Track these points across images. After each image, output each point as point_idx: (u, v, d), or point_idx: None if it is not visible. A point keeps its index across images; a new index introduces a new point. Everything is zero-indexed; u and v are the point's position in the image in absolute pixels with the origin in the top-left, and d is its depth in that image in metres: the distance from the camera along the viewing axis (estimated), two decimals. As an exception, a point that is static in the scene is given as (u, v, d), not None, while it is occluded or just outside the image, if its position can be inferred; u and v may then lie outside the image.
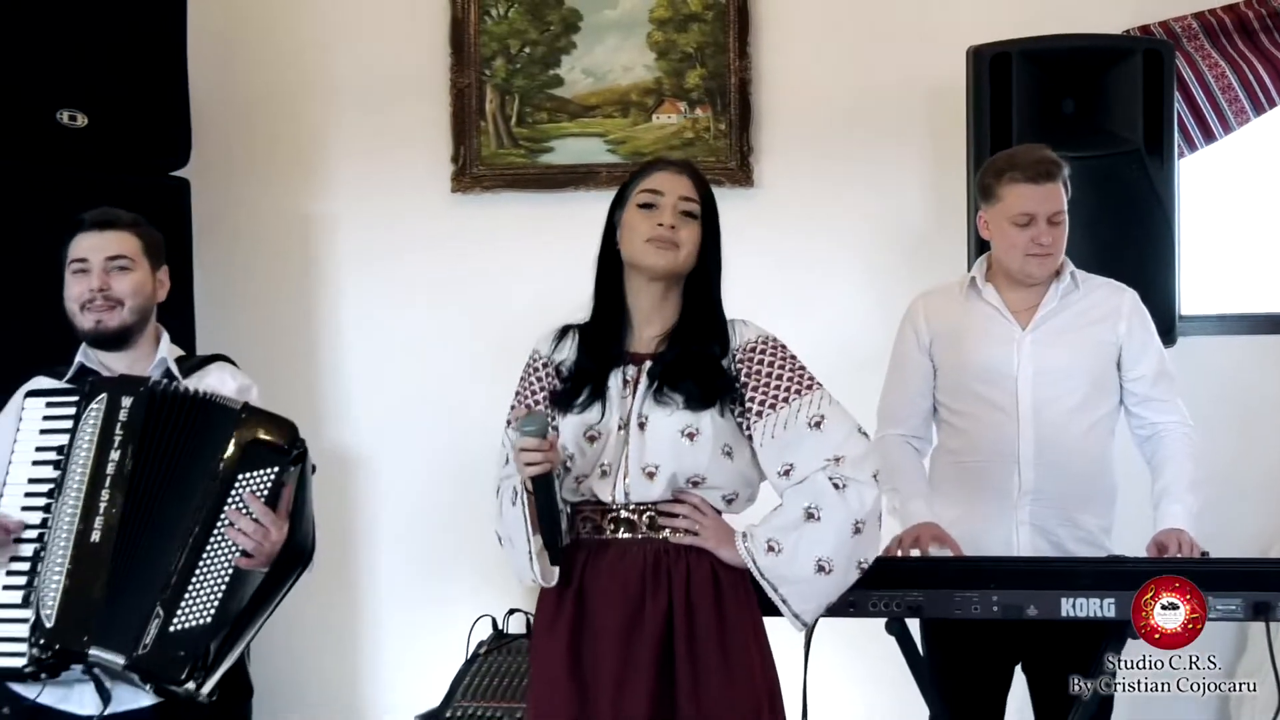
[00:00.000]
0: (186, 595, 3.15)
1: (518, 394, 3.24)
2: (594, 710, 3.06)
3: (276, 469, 3.24)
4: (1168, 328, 4.22)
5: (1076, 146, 4.28)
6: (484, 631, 4.83)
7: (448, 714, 4.54)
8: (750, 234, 4.91)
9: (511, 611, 4.87)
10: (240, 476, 3.21)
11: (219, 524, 3.18)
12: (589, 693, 3.07)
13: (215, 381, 3.43)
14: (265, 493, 3.21)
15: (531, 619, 4.76)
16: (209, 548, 3.17)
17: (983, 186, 3.85)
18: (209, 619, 3.15)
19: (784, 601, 3.09)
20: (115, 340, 3.38)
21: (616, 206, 3.20)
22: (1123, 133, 4.41)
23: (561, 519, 3.08)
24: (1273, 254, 5.13)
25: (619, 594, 3.08)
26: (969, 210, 4.04)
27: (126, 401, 3.20)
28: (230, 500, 3.18)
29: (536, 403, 3.19)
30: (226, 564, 3.18)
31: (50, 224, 3.46)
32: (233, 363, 3.58)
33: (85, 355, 3.39)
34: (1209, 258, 4.99)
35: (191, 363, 3.50)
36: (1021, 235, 3.75)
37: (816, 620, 3.21)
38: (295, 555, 3.26)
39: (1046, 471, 3.78)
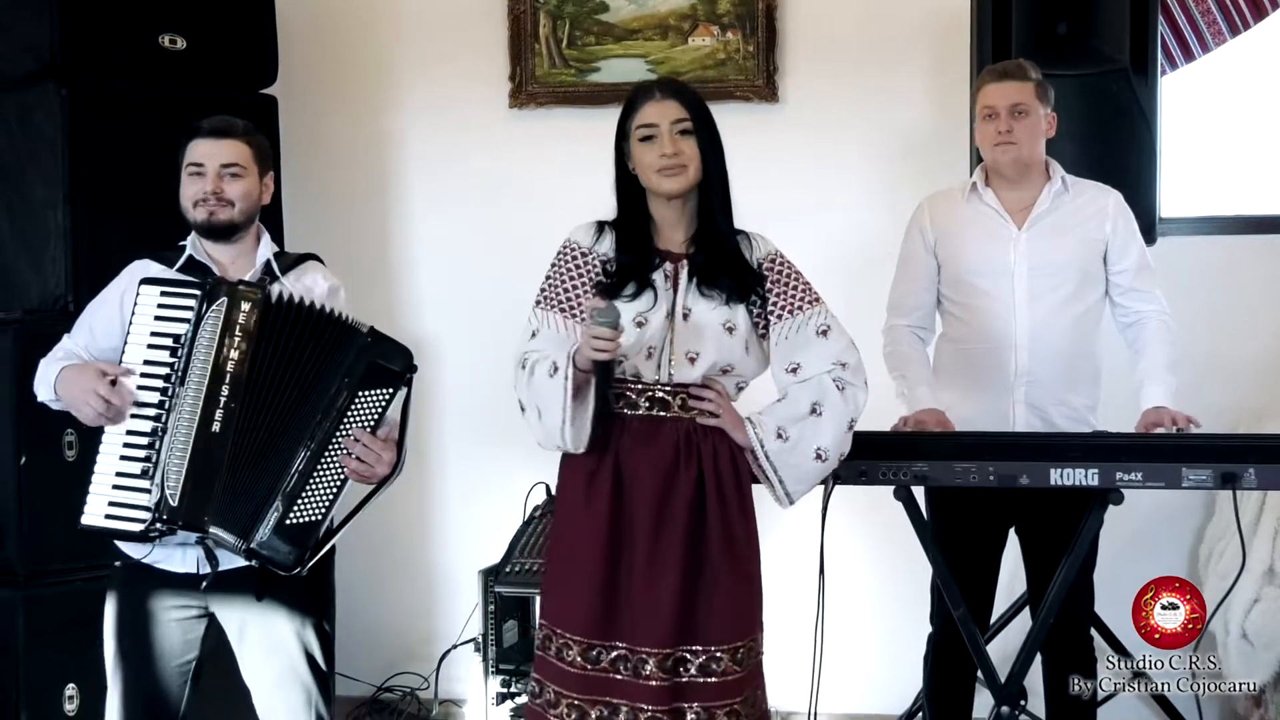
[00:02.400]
0: (304, 494, 3.19)
1: (549, 279, 3.23)
2: (628, 565, 3.09)
3: (391, 390, 3.28)
4: (1149, 228, 4.18)
5: (1069, 65, 4.24)
6: (539, 496, 4.86)
7: (507, 569, 4.58)
8: (776, 144, 4.91)
9: (563, 479, 4.90)
10: (361, 393, 3.23)
11: (338, 434, 3.21)
12: (623, 552, 3.10)
13: (310, 281, 3.42)
14: (379, 411, 3.25)
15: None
16: (328, 454, 3.21)
17: (972, 96, 3.85)
18: (319, 516, 3.21)
19: (780, 482, 3.16)
20: (224, 232, 3.36)
21: (621, 138, 3.18)
22: (1111, 52, 4.34)
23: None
24: (1244, 162, 5.08)
25: (655, 463, 3.11)
26: (971, 123, 4.00)
27: (245, 306, 3.19)
28: (351, 414, 3.22)
29: (578, 287, 3.19)
30: (340, 470, 3.22)
31: (155, 136, 3.46)
32: (321, 262, 3.56)
33: (194, 247, 3.37)
34: (1187, 165, 4.95)
35: (288, 260, 3.47)
36: (988, 127, 3.77)
37: (833, 486, 3.27)
38: (391, 469, 3.29)
39: (1040, 357, 3.77)
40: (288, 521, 3.18)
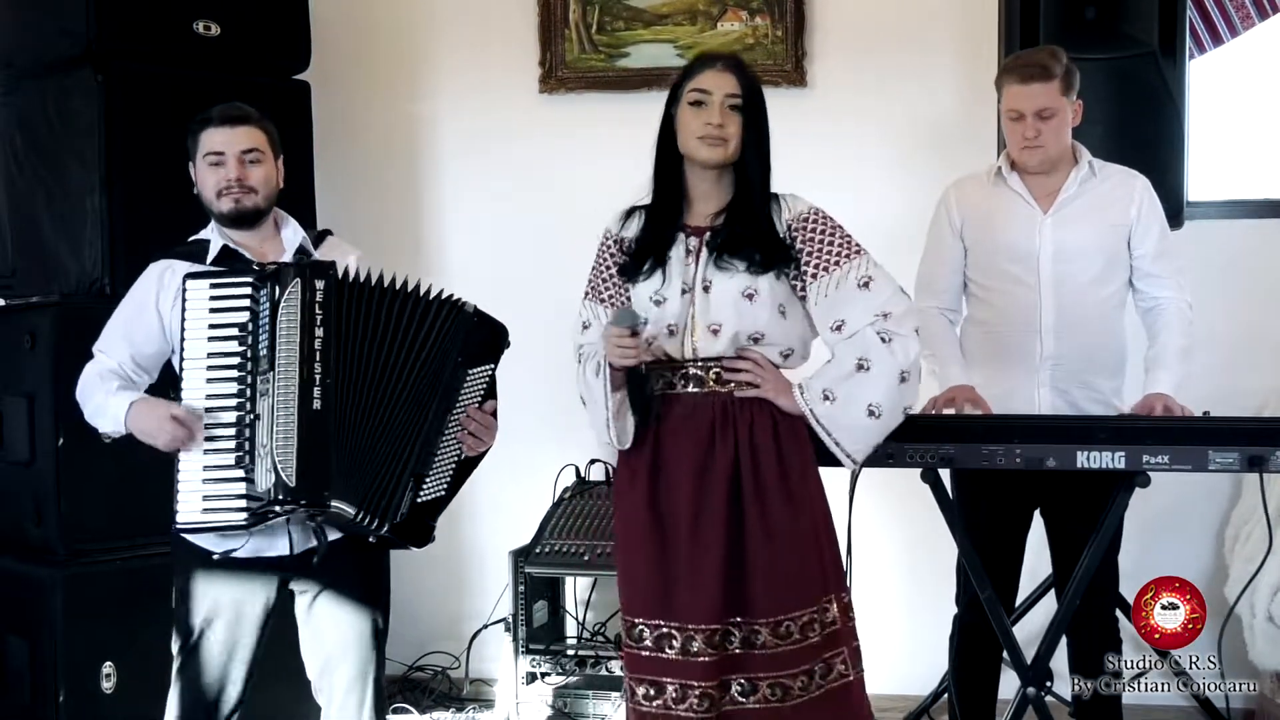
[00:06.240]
0: (431, 471, 3.25)
1: (592, 269, 3.26)
2: (673, 544, 3.09)
3: (493, 365, 3.35)
4: (1176, 212, 4.16)
5: (1097, 49, 4.21)
6: (568, 479, 4.88)
7: (537, 550, 4.61)
8: (804, 129, 4.88)
9: (592, 461, 4.91)
10: (470, 370, 3.30)
11: (455, 410, 3.27)
12: (667, 531, 3.10)
13: (339, 255, 3.40)
14: (485, 385, 3.33)
15: (610, 469, 4.83)
16: (447, 431, 3.26)
17: (995, 85, 3.82)
18: (444, 491, 3.30)
19: (837, 444, 3.11)
20: (250, 219, 3.35)
21: (672, 101, 3.16)
22: (1139, 36, 4.31)
23: (653, 404, 3.12)
24: (1272, 146, 5.05)
25: (691, 441, 3.10)
26: (998, 107, 3.99)
27: (320, 284, 3.17)
28: (464, 390, 3.28)
29: (605, 274, 3.21)
30: (457, 445, 3.29)
31: (189, 121, 3.47)
32: (332, 234, 3.58)
33: (224, 236, 3.36)
34: (1215, 149, 4.91)
35: (312, 237, 3.48)
36: (1015, 129, 3.73)
37: (861, 465, 3.24)
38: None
39: (1065, 340, 3.76)
40: (419, 500, 3.24)
